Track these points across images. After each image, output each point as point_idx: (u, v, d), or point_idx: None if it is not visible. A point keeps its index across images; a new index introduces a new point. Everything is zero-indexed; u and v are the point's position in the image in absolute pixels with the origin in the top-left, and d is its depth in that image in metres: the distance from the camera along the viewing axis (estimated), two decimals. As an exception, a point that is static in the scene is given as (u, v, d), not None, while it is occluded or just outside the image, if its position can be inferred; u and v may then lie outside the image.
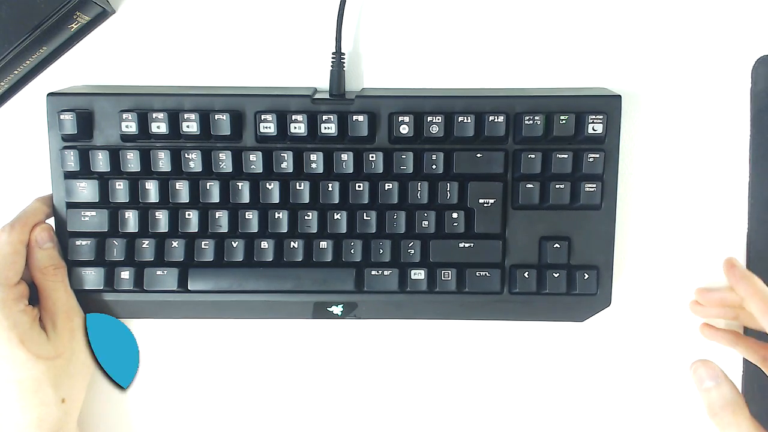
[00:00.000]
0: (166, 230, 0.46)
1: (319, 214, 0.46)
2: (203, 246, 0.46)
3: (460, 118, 0.44)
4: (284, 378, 0.50)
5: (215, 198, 0.46)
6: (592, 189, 0.45)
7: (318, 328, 0.50)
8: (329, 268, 0.46)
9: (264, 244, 0.46)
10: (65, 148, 0.45)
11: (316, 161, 0.45)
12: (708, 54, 0.48)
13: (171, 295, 0.47)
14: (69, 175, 0.46)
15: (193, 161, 0.45)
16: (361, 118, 0.45)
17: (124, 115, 0.45)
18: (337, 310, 0.47)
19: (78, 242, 0.46)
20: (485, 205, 0.46)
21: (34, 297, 0.45)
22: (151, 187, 0.46)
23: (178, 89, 0.47)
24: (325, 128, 0.45)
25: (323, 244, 0.46)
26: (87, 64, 0.49)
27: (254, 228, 0.46)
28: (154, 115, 0.45)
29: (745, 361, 0.48)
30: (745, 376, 0.49)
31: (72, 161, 0.45)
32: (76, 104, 0.45)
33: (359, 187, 0.45)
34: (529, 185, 0.45)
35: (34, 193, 0.47)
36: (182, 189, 0.46)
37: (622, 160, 0.48)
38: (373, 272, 0.46)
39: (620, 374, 0.50)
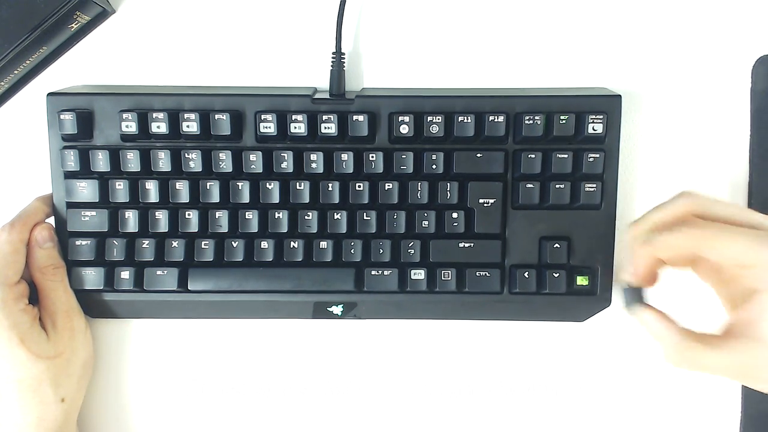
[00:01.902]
0: (166, 230, 0.46)
1: (319, 214, 0.46)
2: (203, 246, 0.46)
3: (460, 118, 0.44)
4: (284, 378, 0.50)
5: (215, 198, 0.46)
6: (592, 189, 0.45)
7: (318, 328, 0.50)
8: (329, 268, 0.46)
9: (264, 244, 0.46)
10: (65, 148, 0.45)
11: (316, 161, 0.45)
12: (708, 54, 0.48)
13: (171, 295, 0.47)
14: (69, 175, 0.46)
15: (193, 161, 0.45)
16: (361, 118, 0.45)
17: (124, 115, 0.45)
18: (337, 310, 0.47)
19: (78, 242, 0.46)
20: (485, 205, 0.46)
21: (34, 296, 0.45)
22: (151, 187, 0.46)
23: (178, 89, 0.47)
24: (325, 128, 0.45)
25: (323, 244, 0.46)
26: (87, 64, 0.49)
27: (254, 228, 0.46)
28: (154, 115, 0.45)
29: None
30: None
31: (72, 161, 0.45)
32: (76, 104, 0.45)
33: (359, 187, 0.45)
34: (529, 185, 0.45)
35: (34, 193, 0.47)
36: (182, 189, 0.46)
37: (622, 160, 0.47)
38: (373, 272, 0.46)
39: (620, 374, 0.50)
